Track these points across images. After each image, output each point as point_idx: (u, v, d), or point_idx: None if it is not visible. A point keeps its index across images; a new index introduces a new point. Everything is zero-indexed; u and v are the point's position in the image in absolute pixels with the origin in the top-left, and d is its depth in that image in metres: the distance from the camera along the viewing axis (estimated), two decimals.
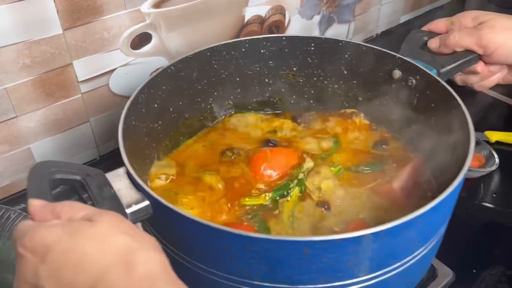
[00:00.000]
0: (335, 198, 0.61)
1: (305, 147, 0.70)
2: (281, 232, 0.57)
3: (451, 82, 0.70)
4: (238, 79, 0.75)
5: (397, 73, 0.67)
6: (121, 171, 0.50)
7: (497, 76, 0.71)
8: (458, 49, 0.68)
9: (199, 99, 0.73)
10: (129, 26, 0.73)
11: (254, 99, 0.79)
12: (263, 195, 0.61)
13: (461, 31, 0.68)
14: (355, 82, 0.74)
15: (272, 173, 0.64)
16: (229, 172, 0.66)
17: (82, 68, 0.71)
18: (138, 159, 0.61)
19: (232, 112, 0.77)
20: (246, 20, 0.88)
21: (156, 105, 0.65)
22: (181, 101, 0.70)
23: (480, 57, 0.68)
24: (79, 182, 0.47)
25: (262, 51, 0.74)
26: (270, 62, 0.75)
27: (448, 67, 0.66)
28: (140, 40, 0.76)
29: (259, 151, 0.67)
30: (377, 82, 0.71)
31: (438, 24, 0.72)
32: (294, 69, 0.76)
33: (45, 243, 0.35)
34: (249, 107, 0.78)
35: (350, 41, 0.71)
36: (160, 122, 0.67)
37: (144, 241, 0.37)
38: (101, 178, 0.48)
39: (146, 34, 0.76)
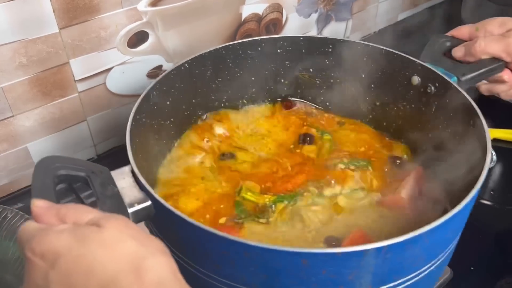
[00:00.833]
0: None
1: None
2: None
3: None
4: (253, 78, 0.74)
5: (416, 79, 0.65)
6: (126, 169, 0.50)
7: None
8: (484, 57, 0.66)
9: (213, 97, 0.73)
10: (126, 25, 0.72)
11: (270, 99, 0.78)
12: (265, 196, 0.60)
13: (488, 38, 0.66)
14: (372, 86, 0.72)
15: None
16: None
17: (79, 67, 0.71)
18: (148, 156, 0.61)
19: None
20: (243, 18, 0.87)
21: (168, 102, 0.65)
22: (194, 99, 0.70)
23: (506, 65, 0.66)
24: (83, 179, 0.48)
25: (278, 50, 0.73)
26: (287, 62, 0.74)
27: (470, 75, 0.63)
28: (137, 38, 0.75)
29: None
30: (395, 87, 0.69)
31: (462, 30, 0.70)
32: (311, 70, 0.74)
33: (55, 249, 0.35)
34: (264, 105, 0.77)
35: (369, 44, 0.69)
36: (172, 119, 0.67)
37: (152, 246, 0.37)
38: (106, 175, 0.48)
39: (143, 32, 0.75)
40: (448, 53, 0.68)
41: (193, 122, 0.72)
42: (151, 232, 0.54)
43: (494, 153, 0.73)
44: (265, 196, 0.61)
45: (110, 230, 0.36)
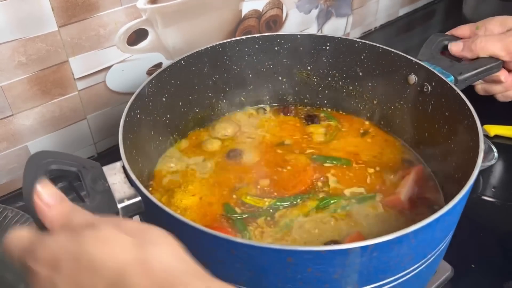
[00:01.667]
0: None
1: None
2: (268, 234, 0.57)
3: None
4: (250, 75, 0.74)
5: (412, 78, 0.65)
6: (118, 165, 0.50)
7: None
8: (482, 55, 0.65)
9: (210, 94, 0.73)
10: (125, 23, 0.72)
11: (267, 96, 0.78)
12: (265, 199, 0.60)
13: (488, 36, 0.65)
14: (370, 84, 0.71)
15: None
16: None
17: (79, 65, 0.71)
18: (143, 153, 0.62)
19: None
20: (243, 15, 0.87)
21: (164, 99, 0.66)
22: (191, 96, 0.70)
23: (503, 65, 0.65)
24: (74, 174, 0.48)
25: (276, 48, 0.73)
26: (284, 60, 0.74)
27: (467, 75, 0.63)
28: (137, 36, 0.75)
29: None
30: (392, 86, 0.68)
31: (462, 30, 0.69)
32: (309, 68, 0.74)
33: (56, 254, 0.36)
34: (262, 103, 0.78)
35: (367, 42, 0.69)
36: (168, 116, 0.68)
37: (151, 235, 0.37)
38: (97, 171, 0.49)
39: (142, 30, 0.75)
40: (446, 52, 0.68)
41: (191, 120, 0.72)
42: None
43: (495, 149, 0.74)
44: (265, 199, 0.61)
45: (105, 229, 0.37)
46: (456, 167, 0.58)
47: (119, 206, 0.46)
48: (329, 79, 0.74)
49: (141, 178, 0.48)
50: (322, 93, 0.76)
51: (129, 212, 0.47)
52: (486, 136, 0.80)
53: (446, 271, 0.61)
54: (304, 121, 0.74)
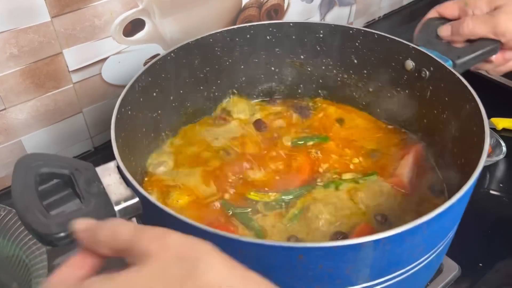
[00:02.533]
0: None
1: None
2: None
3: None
4: (242, 66, 0.72)
5: (410, 64, 0.64)
6: (111, 165, 0.47)
7: None
8: (472, 38, 0.64)
9: (201, 88, 0.71)
10: (121, 12, 0.69)
11: (260, 88, 0.76)
12: (270, 193, 0.59)
13: (475, 18, 0.63)
14: (365, 72, 0.70)
15: None
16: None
17: (73, 57, 0.68)
18: (135, 150, 0.59)
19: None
20: (243, 4, 0.84)
21: (155, 94, 0.63)
22: (182, 90, 0.68)
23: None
24: (67, 177, 0.45)
25: (268, 37, 0.70)
26: (277, 50, 0.72)
27: (465, 58, 0.62)
28: (133, 27, 0.72)
29: None
30: (389, 73, 0.67)
31: (451, 8, 0.67)
32: (302, 57, 0.72)
33: None
34: (254, 95, 0.75)
35: (362, 28, 0.67)
36: (159, 111, 0.65)
37: (199, 249, 0.33)
38: (90, 172, 0.46)
39: (139, 20, 0.72)
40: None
41: (183, 115, 0.70)
42: None
43: (504, 144, 0.72)
44: (270, 194, 0.59)
45: (147, 268, 0.32)
46: (458, 153, 0.57)
47: (116, 208, 0.44)
48: (323, 68, 0.73)
49: (135, 178, 0.45)
50: (316, 83, 0.74)
51: (127, 214, 0.45)
52: (494, 129, 0.78)
53: (453, 270, 0.60)
54: (295, 113, 0.73)
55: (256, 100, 0.76)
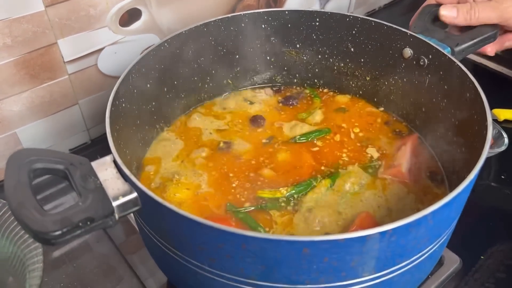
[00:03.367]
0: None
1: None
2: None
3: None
4: (237, 56, 0.71)
5: (408, 52, 0.63)
6: (108, 159, 0.46)
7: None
8: (477, 24, 0.63)
9: (195, 78, 0.69)
10: (117, 2, 0.68)
11: (255, 78, 0.74)
12: (281, 189, 0.57)
13: (481, 4, 0.63)
14: (362, 60, 0.69)
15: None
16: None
17: (68, 47, 0.66)
18: (130, 144, 0.58)
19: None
20: None
21: (149, 85, 0.61)
22: (176, 81, 0.66)
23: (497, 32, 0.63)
24: (62, 172, 0.44)
25: (263, 26, 0.69)
26: (272, 38, 0.70)
27: (464, 45, 0.61)
28: (129, 16, 0.70)
29: None
30: (386, 61, 0.66)
31: None
32: (298, 45, 0.71)
33: None
34: (250, 85, 0.74)
35: (358, 16, 0.66)
36: (153, 103, 0.64)
37: None
38: (86, 167, 0.44)
39: (135, 10, 0.70)
40: (440, 23, 0.66)
41: (177, 106, 0.68)
42: (138, 224, 0.51)
43: (505, 135, 0.71)
44: (281, 189, 0.58)
45: None
46: (459, 142, 0.57)
47: (114, 204, 0.42)
48: (319, 56, 0.72)
49: (131, 172, 0.44)
50: (312, 72, 0.73)
51: (125, 209, 0.43)
52: (496, 120, 0.77)
53: (454, 262, 0.59)
54: (291, 104, 0.72)
55: (251, 90, 0.74)
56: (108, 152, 0.46)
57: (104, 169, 0.45)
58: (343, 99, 0.72)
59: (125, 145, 0.55)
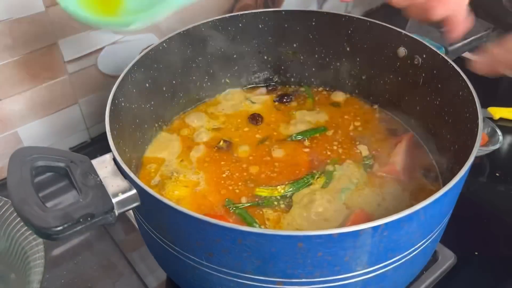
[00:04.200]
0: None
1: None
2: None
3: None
4: (235, 56, 0.72)
5: (402, 51, 0.64)
6: (107, 157, 0.47)
7: None
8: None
9: (193, 78, 0.70)
10: None
11: (252, 77, 0.75)
12: (278, 187, 0.58)
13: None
14: (358, 59, 0.70)
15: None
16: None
17: (68, 47, 0.68)
18: (129, 142, 0.59)
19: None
20: None
21: (147, 85, 0.62)
22: (174, 80, 0.67)
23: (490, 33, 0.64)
24: (63, 169, 0.45)
25: (260, 26, 0.70)
26: (269, 38, 0.71)
27: (458, 45, 0.62)
28: None
29: None
30: (381, 60, 0.67)
31: None
32: (294, 45, 0.72)
33: None
34: (247, 85, 0.75)
35: (354, 16, 0.67)
36: (152, 102, 0.65)
37: None
38: (86, 165, 0.46)
39: None
40: (435, 23, 0.67)
41: (176, 105, 0.69)
42: (137, 221, 0.52)
43: (500, 133, 0.72)
44: (278, 187, 0.59)
45: None
46: (452, 139, 0.58)
47: (114, 200, 0.44)
48: (316, 56, 0.72)
49: (130, 170, 0.45)
50: (309, 71, 0.74)
51: (124, 206, 0.44)
52: (491, 119, 0.78)
53: (449, 258, 0.60)
54: (289, 103, 0.73)
55: (249, 89, 0.75)
56: (108, 150, 0.47)
57: (104, 167, 0.46)
58: (339, 98, 0.73)
59: (125, 144, 0.56)
